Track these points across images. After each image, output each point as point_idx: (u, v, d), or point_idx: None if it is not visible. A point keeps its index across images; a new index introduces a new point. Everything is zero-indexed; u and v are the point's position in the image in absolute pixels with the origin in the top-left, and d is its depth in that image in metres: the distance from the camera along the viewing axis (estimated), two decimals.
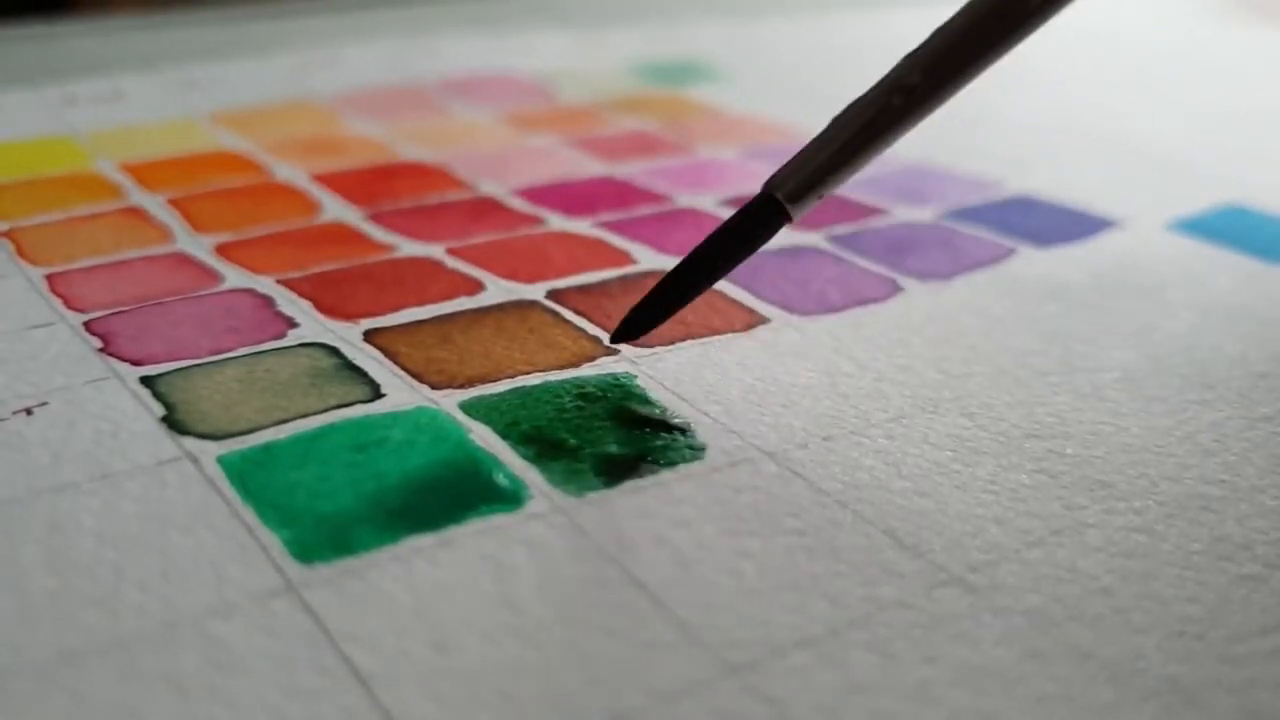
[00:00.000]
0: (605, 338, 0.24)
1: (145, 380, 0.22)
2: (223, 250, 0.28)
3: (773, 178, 0.21)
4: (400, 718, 0.15)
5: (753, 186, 0.34)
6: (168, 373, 0.23)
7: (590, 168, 0.35)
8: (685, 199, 0.33)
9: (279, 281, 0.27)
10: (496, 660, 0.16)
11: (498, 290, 0.26)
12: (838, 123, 0.21)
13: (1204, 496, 0.20)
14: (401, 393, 0.22)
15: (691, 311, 0.26)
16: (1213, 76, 0.49)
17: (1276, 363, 0.24)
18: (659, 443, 0.21)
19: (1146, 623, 0.17)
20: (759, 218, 0.22)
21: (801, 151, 0.21)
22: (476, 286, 0.27)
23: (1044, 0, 0.20)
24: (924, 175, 0.35)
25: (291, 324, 0.25)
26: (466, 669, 0.16)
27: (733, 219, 0.22)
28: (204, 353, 0.23)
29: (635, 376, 0.23)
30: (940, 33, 0.20)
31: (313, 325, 0.25)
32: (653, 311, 0.23)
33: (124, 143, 0.36)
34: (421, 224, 0.30)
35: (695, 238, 0.30)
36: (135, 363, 0.23)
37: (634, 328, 0.23)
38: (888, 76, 0.21)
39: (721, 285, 0.27)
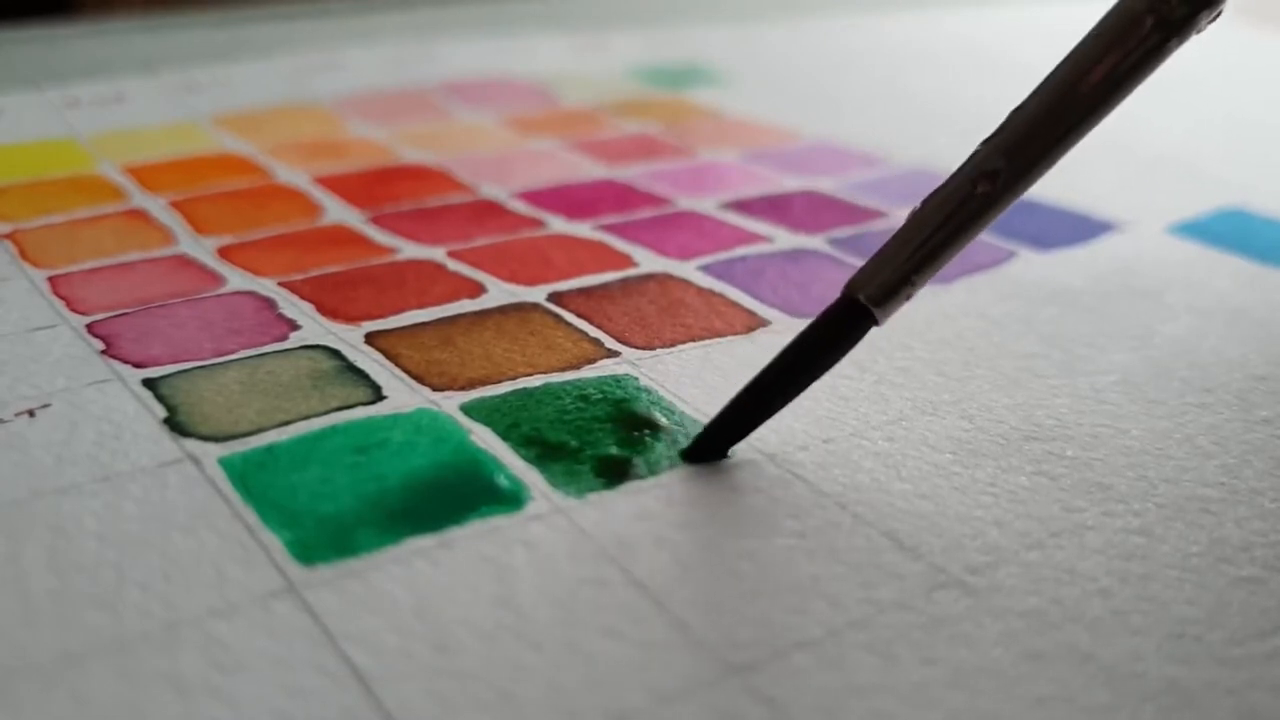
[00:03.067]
0: (606, 340, 0.24)
1: (147, 382, 0.22)
2: (225, 253, 0.28)
3: (854, 279, 0.20)
4: (401, 718, 0.15)
5: (753, 189, 0.34)
6: (170, 375, 0.23)
7: (591, 170, 0.35)
8: (686, 202, 0.33)
9: (281, 284, 0.27)
10: (497, 660, 0.16)
11: (499, 292, 0.27)
12: (920, 216, 0.20)
13: (1203, 499, 0.20)
14: (403, 394, 0.22)
15: (692, 313, 0.26)
16: (1213, 80, 0.49)
17: (1276, 366, 0.24)
18: (659, 444, 0.21)
19: (1145, 624, 0.17)
20: (844, 324, 0.20)
21: (883, 249, 0.20)
22: (478, 289, 0.27)
23: (1119, 78, 0.19)
24: (924, 178, 0.35)
25: (293, 326, 0.25)
26: (467, 669, 0.16)
27: (816, 325, 0.20)
28: (206, 355, 0.23)
29: (636, 379, 0.23)
30: (1018, 114, 0.19)
31: (314, 327, 0.25)
32: (732, 428, 0.21)
33: (126, 145, 0.36)
34: (423, 226, 0.30)
35: (696, 239, 0.30)
36: (137, 365, 0.23)
37: (711, 446, 0.21)
38: (968, 165, 0.19)
39: (722, 288, 0.27)
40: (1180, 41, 0.18)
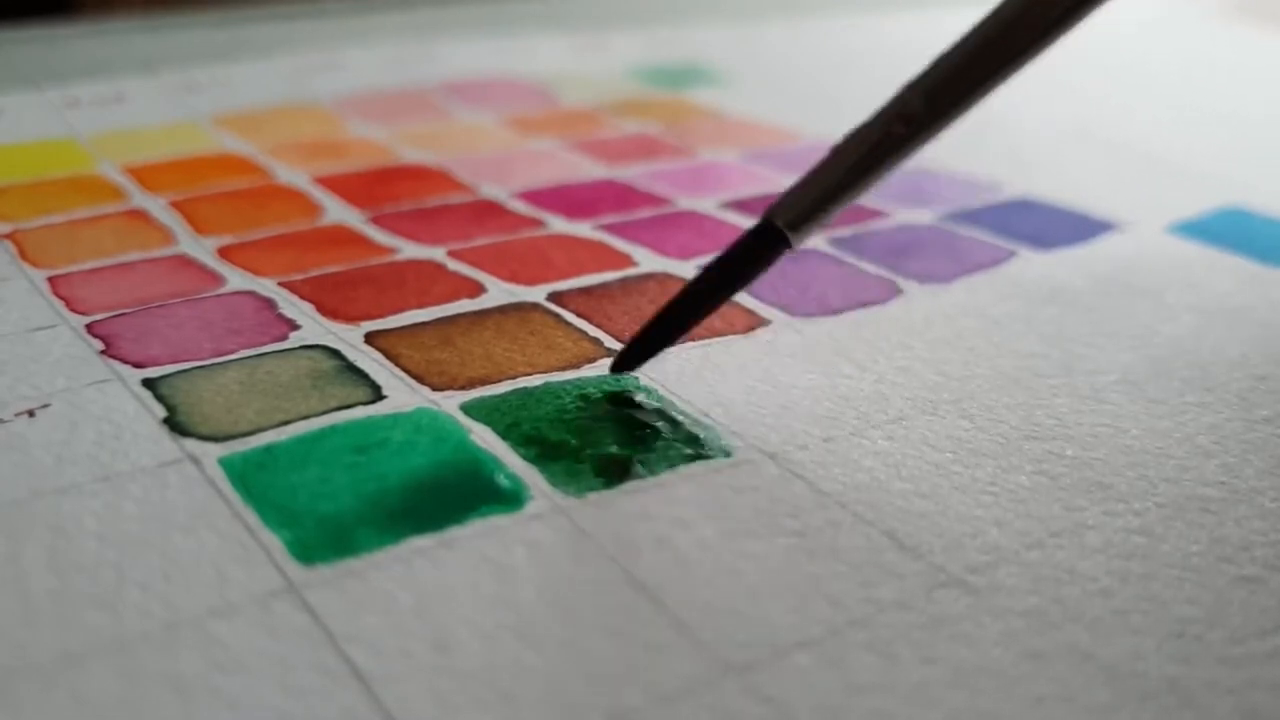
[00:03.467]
0: (606, 340, 0.24)
1: (147, 382, 0.22)
2: (224, 253, 0.28)
3: (773, 205, 0.21)
4: (401, 718, 0.15)
5: (753, 189, 0.34)
6: (170, 375, 0.23)
7: (591, 170, 0.35)
8: (686, 202, 0.33)
9: (280, 284, 0.27)
10: (497, 660, 0.16)
11: (499, 292, 0.27)
12: (839, 150, 0.21)
13: (1203, 498, 0.20)
14: (402, 394, 0.22)
15: None
16: (1212, 79, 0.49)
17: (1276, 365, 0.24)
18: (659, 444, 0.21)
19: (1145, 624, 0.17)
20: (760, 246, 0.21)
21: (802, 179, 0.21)
22: (477, 289, 0.27)
23: (1041, 29, 0.20)
24: (924, 178, 0.35)
25: (293, 326, 0.25)
26: (467, 669, 0.16)
27: (733, 247, 0.22)
28: (206, 355, 0.23)
29: (637, 378, 0.23)
30: (941, 60, 0.20)
31: (314, 327, 0.25)
32: (652, 340, 0.22)
33: (126, 145, 0.36)
34: (423, 226, 0.30)
35: (696, 240, 0.30)
36: (137, 365, 0.23)
37: (633, 357, 0.22)
38: (889, 104, 0.21)
39: None
40: None
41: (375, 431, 0.21)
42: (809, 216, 0.21)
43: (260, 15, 0.53)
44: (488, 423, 0.21)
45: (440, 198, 0.33)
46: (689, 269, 0.28)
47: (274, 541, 0.18)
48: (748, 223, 0.31)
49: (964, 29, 0.20)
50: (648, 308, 0.26)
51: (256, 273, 0.27)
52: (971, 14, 0.20)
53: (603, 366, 0.23)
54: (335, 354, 0.23)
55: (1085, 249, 0.30)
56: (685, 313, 0.22)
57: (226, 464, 0.20)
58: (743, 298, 0.26)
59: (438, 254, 0.29)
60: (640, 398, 0.22)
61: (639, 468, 0.20)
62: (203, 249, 0.29)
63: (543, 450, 0.20)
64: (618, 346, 0.24)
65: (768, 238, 0.21)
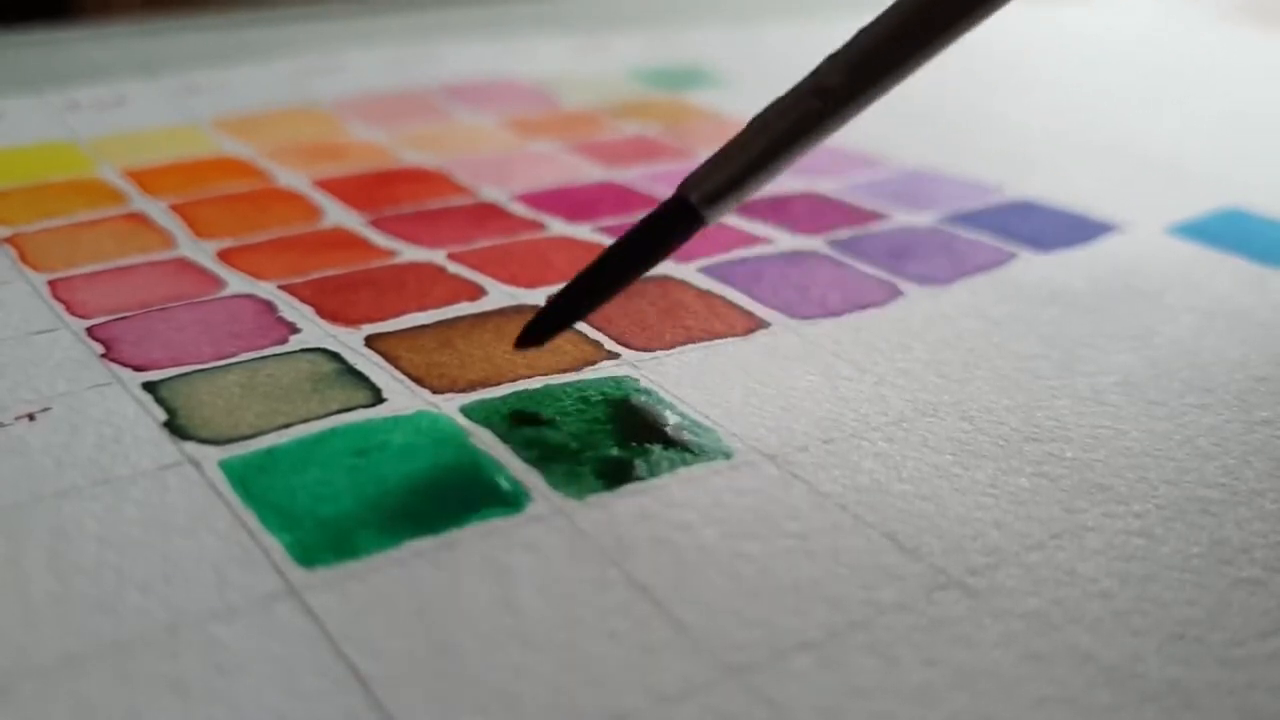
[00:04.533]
0: (606, 342, 0.24)
1: (147, 385, 0.22)
2: (225, 256, 0.29)
3: (687, 179, 0.20)
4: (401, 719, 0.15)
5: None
6: (170, 378, 0.23)
7: (591, 173, 0.35)
8: None
9: (281, 287, 0.27)
10: (497, 662, 0.16)
11: (499, 295, 0.27)
12: (756, 125, 0.20)
13: (1203, 500, 0.20)
14: (403, 397, 0.22)
15: (692, 315, 0.26)
16: (1212, 80, 0.49)
17: (1276, 366, 0.24)
18: (659, 446, 0.21)
19: (1146, 626, 0.17)
20: (673, 221, 0.21)
21: (718, 153, 0.20)
22: (478, 291, 0.27)
23: (966, 7, 0.19)
24: (924, 180, 0.35)
25: (293, 329, 0.25)
26: (467, 671, 0.16)
27: (645, 221, 0.21)
28: (206, 358, 0.23)
29: (637, 380, 0.23)
30: (863, 34, 0.19)
31: (314, 330, 0.25)
32: (559, 315, 0.22)
33: (126, 148, 0.36)
34: (423, 229, 0.30)
35: (696, 242, 0.30)
36: (137, 368, 0.23)
37: (539, 332, 0.22)
38: (807, 78, 0.20)
39: (722, 289, 0.27)
40: None
41: (375, 434, 0.21)
42: (724, 192, 0.20)
43: (260, 18, 0.53)
44: (488, 425, 0.21)
45: (440, 200, 0.33)
46: (689, 270, 0.28)
47: (274, 544, 0.18)
48: (748, 224, 0.31)
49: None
50: (649, 310, 0.26)
51: (257, 276, 0.27)
52: None
53: (603, 369, 0.23)
54: (335, 357, 0.24)
55: (1085, 250, 0.30)
56: (596, 288, 0.21)
57: (227, 467, 0.20)
58: (742, 299, 0.26)
59: (438, 256, 0.29)
60: (640, 400, 0.22)
61: (639, 470, 0.20)
62: (203, 252, 0.29)
63: (543, 453, 0.20)
64: (618, 349, 0.24)
65: (682, 213, 0.20)
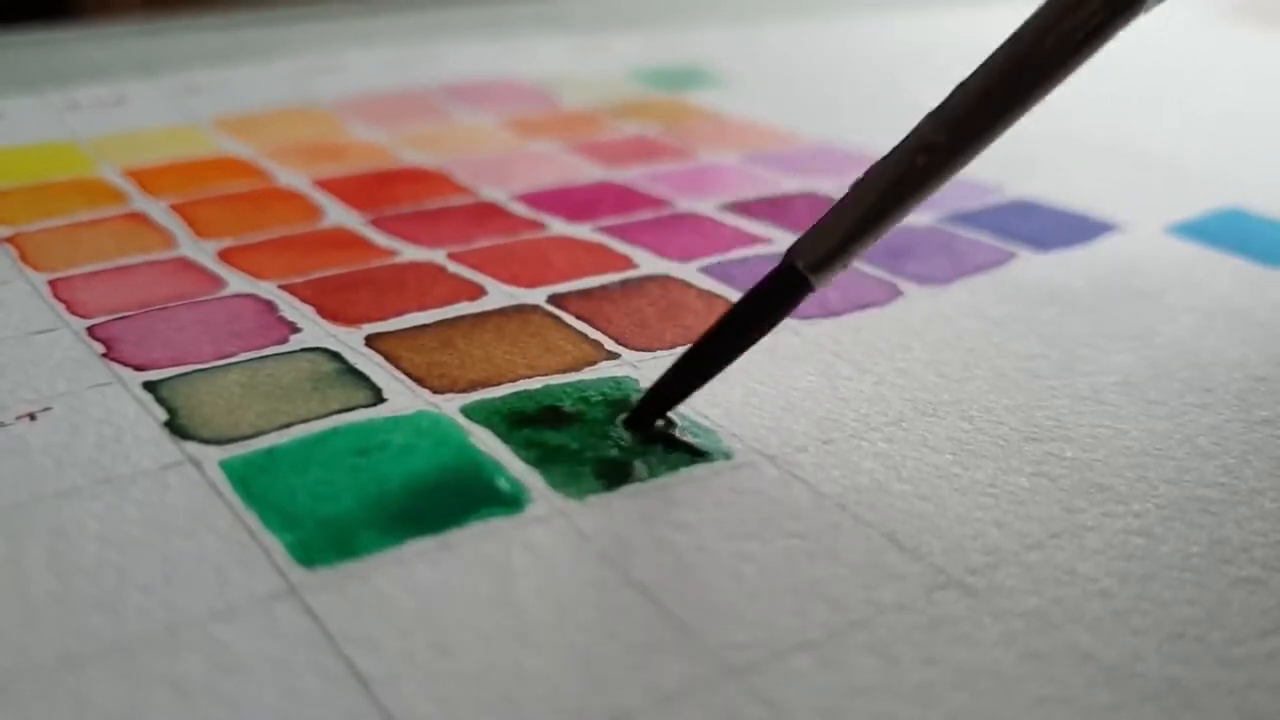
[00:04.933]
0: (606, 342, 0.24)
1: (148, 385, 0.22)
2: (225, 255, 0.29)
3: (794, 247, 0.20)
4: None
5: (753, 191, 0.34)
6: (170, 378, 0.23)
7: (591, 172, 0.35)
8: (686, 203, 0.33)
9: (281, 286, 0.27)
10: (498, 662, 0.16)
11: (499, 295, 0.27)
12: (860, 186, 0.20)
13: (1203, 499, 0.20)
14: (403, 397, 0.22)
15: (692, 315, 0.26)
16: (1211, 80, 0.49)
17: (1275, 366, 0.25)
18: (659, 446, 0.21)
19: (1146, 625, 0.17)
20: (782, 291, 0.20)
21: (823, 218, 0.20)
22: (478, 291, 0.27)
23: (1063, 55, 0.19)
24: None
25: (294, 329, 0.25)
26: (468, 671, 0.16)
27: (754, 291, 0.21)
28: (207, 358, 0.23)
29: (637, 380, 0.23)
30: (962, 89, 0.20)
31: (315, 330, 0.25)
32: (672, 392, 0.21)
33: (126, 148, 0.36)
34: (423, 229, 0.30)
35: (696, 241, 0.30)
36: (138, 368, 0.23)
37: (651, 411, 0.21)
38: (910, 137, 0.20)
39: (722, 289, 0.27)
40: (1126, 20, 0.18)
41: (376, 434, 0.21)
42: (832, 258, 0.20)
43: (260, 18, 0.53)
44: (488, 425, 0.21)
45: (440, 200, 0.33)
46: (689, 270, 0.28)
47: (275, 544, 0.18)
48: (748, 224, 0.31)
49: (992, 43, 0.20)
50: (648, 309, 0.26)
51: (257, 275, 0.27)
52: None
53: (603, 369, 0.23)
54: (336, 357, 0.24)
55: (1085, 250, 0.30)
56: (706, 362, 0.21)
57: (227, 467, 0.20)
58: None
59: (438, 256, 0.29)
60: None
61: (639, 470, 0.20)
62: (203, 252, 0.29)
63: (543, 453, 0.20)
64: (618, 348, 0.24)
65: (790, 281, 0.20)
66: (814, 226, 0.20)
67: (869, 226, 0.20)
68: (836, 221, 0.20)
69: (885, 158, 0.20)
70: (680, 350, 0.24)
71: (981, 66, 0.19)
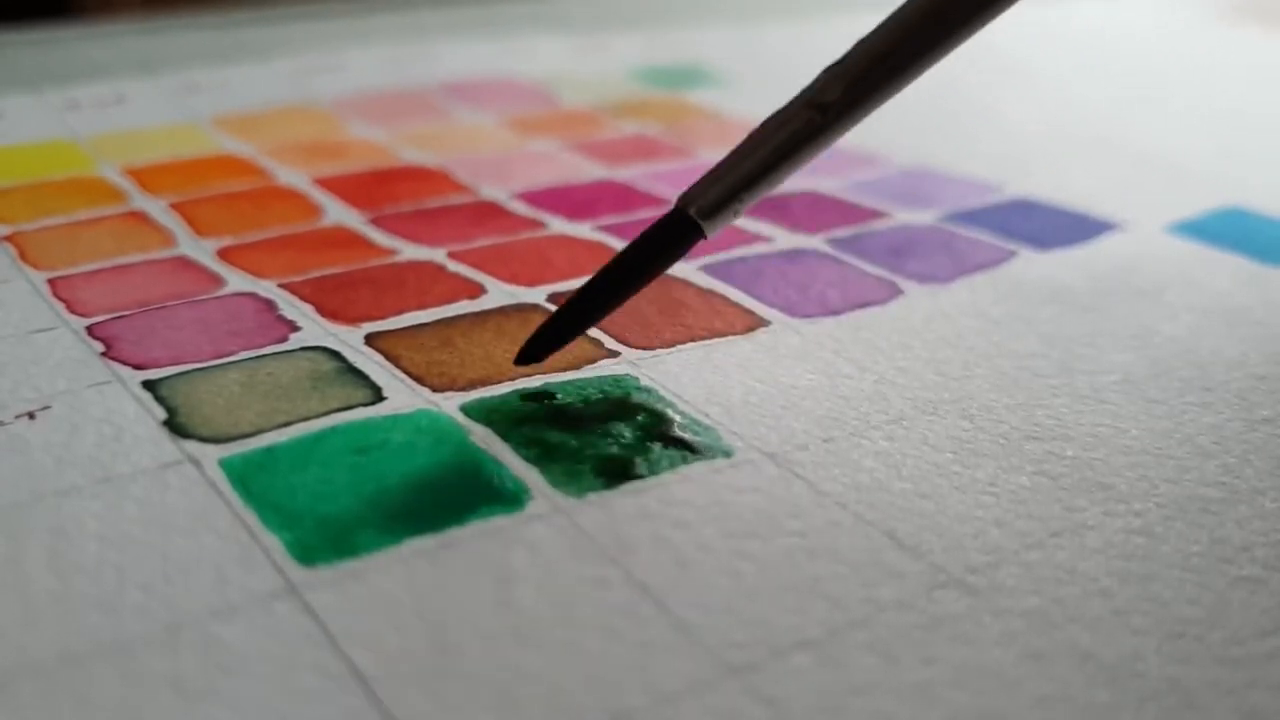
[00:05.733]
0: (606, 341, 0.24)
1: (148, 384, 0.22)
2: (225, 254, 0.28)
3: (686, 193, 0.21)
4: (401, 719, 0.15)
5: None
6: (170, 376, 0.23)
7: (591, 171, 0.35)
8: None
9: (281, 285, 0.27)
10: (497, 661, 0.16)
11: (499, 294, 0.27)
12: (754, 137, 0.20)
13: (1203, 499, 0.20)
14: (403, 395, 0.22)
15: (692, 314, 0.26)
16: (1211, 79, 0.49)
17: (1276, 365, 0.25)
18: (659, 444, 0.21)
19: (1146, 624, 0.17)
20: (672, 234, 0.21)
21: (716, 166, 0.21)
22: (478, 290, 0.27)
23: (964, 18, 0.19)
24: (924, 178, 0.35)
25: (293, 328, 0.25)
26: (467, 670, 0.16)
27: (644, 235, 0.21)
28: (206, 356, 0.23)
29: (637, 379, 0.23)
30: (860, 46, 0.20)
31: (314, 329, 0.25)
32: (561, 331, 0.22)
33: (126, 147, 0.36)
34: (423, 228, 0.30)
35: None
36: (138, 366, 0.23)
37: (540, 348, 0.22)
38: (804, 91, 0.20)
39: (722, 288, 0.27)
40: None
41: (375, 433, 0.21)
42: (723, 205, 0.20)
43: (260, 17, 0.53)
44: (488, 424, 0.21)
45: (440, 199, 0.33)
46: (689, 269, 0.28)
47: (274, 543, 0.18)
48: (747, 223, 0.31)
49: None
50: (648, 308, 0.26)
51: (257, 274, 0.27)
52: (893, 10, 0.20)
53: (603, 367, 0.23)
54: (335, 355, 0.24)
55: (1085, 249, 0.30)
56: (595, 303, 0.22)
57: (227, 465, 0.20)
58: (743, 298, 0.26)
59: (438, 255, 0.29)
60: (640, 398, 0.22)
61: (639, 468, 0.20)
62: (203, 251, 0.29)
63: (543, 451, 0.20)
64: (618, 347, 0.24)
65: (681, 226, 0.21)
66: (708, 174, 0.21)
67: (760, 178, 0.20)
68: (727, 172, 0.20)
69: (779, 111, 0.20)
70: (681, 349, 0.24)
71: (881, 24, 0.20)
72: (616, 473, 0.20)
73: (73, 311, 0.25)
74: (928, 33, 0.19)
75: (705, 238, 0.21)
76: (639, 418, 0.22)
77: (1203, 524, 0.19)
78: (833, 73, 0.20)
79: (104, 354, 0.24)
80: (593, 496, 0.19)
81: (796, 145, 0.20)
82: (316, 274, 0.27)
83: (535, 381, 0.23)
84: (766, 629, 0.17)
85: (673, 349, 0.24)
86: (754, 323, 0.26)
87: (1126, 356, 0.25)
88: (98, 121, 0.38)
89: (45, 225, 0.30)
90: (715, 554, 0.18)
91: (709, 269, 0.28)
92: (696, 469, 0.20)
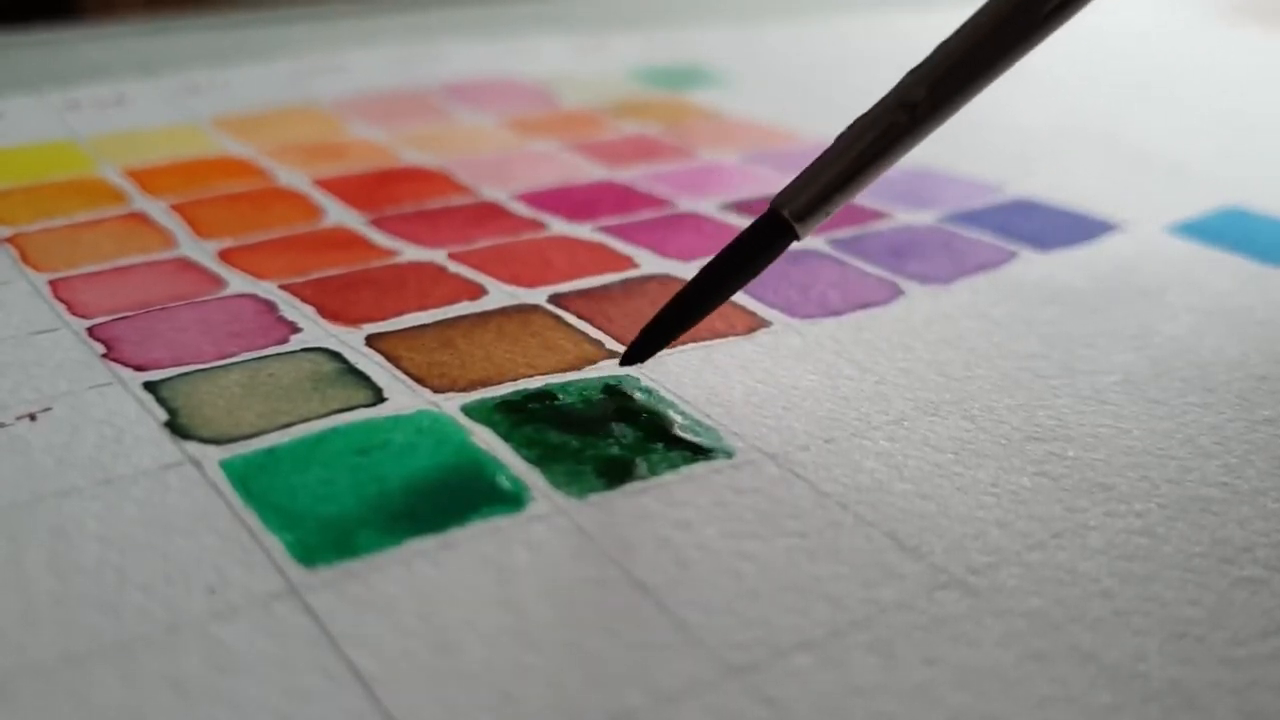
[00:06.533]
0: (607, 341, 0.24)
1: (148, 385, 0.22)
2: (225, 256, 0.28)
3: (779, 195, 0.21)
4: (401, 719, 0.15)
5: (753, 190, 0.34)
6: (171, 378, 0.23)
7: (592, 172, 0.35)
8: (686, 203, 0.33)
9: (281, 286, 0.27)
10: (498, 662, 0.16)
11: (500, 294, 0.27)
12: (843, 139, 0.21)
13: (1205, 499, 0.20)
14: (403, 396, 0.22)
15: None
16: (1212, 79, 0.49)
17: (1277, 364, 0.24)
18: (660, 445, 0.21)
19: (1147, 625, 0.17)
20: (766, 236, 0.22)
21: (808, 168, 0.21)
22: (478, 291, 0.27)
23: (1045, 15, 0.20)
24: (925, 179, 0.35)
25: (294, 329, 0.25)
26: (468, 670, 0.16)
27: (740, 237, 0.22)
28: (207, 358, 0.23)
29: (638, 379, 0.23)
30: (943, 48, 0.20)
31: (315, 330, 0.25)
32: (661, 332, 0.23)
33: (127, 148, 0.36)
34: (423, 229, 0.30)
35: (696, 241, 0.30)
36: (138, 368, 0.23)
37: (643, 349, 0.23)
38: (892, 93, 0.21)
39: None
40: None
41: (376, 433, 0.21)
42: (815, 207, 0.21)
43: (260, 18, 0.53)
44: (488, 424, 0.21)
45: (441, 200, 0.33)
46: (690, 270, 0.28)
47: (275, 543, 0.18)
48: (748, 223, 0.31)
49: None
50: (649, 309, 0.26)
51: (257, 275, 0.27)
52: (972, 13, 0.20)
53: (604, 368, 0.23)
54: (336, 356, 0.23)
55: (1086, 249, 0.30)
56: (692, 305, 0.22)
57: (228, 466, 0.20)
58: (743, 299, 0.26)
59: (439, 256, 0.29)
60: (641, 398, 0.22)
61: (640, 469, 0.20)
62: (203, 252, 0.29)
63: (544, 452, 0.20)
64: (619, 348, 0.24)
65: (774, 228, 0.21)
66: (798, 177, 0.21)
67: (851, 179, 0.21)
68: (819, 173, 0.21)
69: (868, 112, 0.21)
70: (682, 349, 0.24)
71: (964, 24, 0.20)
72: (618, 473, 0.20)
73: (74, 313, 0.25)
74: (1003, 34, 0.20)
75: (799, 239, 0.21)
76: (640, 418, 0.22)
77: (1204, 524, 0.19)
78: (917, 75, 0.20)
79: (105, 355, 0.24)
80: (594, 497, 0.19)
81: (886, 146, 0.21)
82: (317, 275, 0.27)
83: (536, 382, 0.23)
84: (767, 629, 0.17)
85: (674, 350, 0.24)
86: (755, 323, 0.26)
87: (1127, 357, 0.25)
88: (98, 122, 0.38)
89: (46, 226, 0.30)
90: (716, 554, 0.18)
91: None
92: (698, 470, 0.20)
